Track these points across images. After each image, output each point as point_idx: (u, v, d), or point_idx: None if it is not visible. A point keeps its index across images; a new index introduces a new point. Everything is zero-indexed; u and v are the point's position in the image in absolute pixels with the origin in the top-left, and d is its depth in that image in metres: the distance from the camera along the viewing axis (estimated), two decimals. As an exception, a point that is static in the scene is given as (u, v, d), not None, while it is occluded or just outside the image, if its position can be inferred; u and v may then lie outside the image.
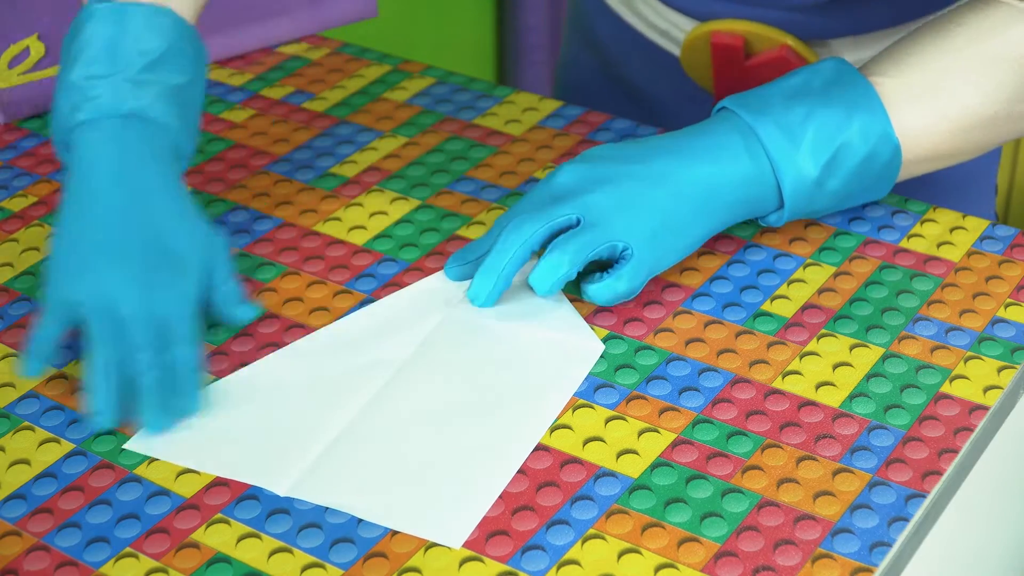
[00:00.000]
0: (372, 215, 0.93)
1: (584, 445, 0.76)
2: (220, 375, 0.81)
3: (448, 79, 1.08)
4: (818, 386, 0.79)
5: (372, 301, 0.86)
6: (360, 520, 0.72)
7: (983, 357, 0.81)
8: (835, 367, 0.80)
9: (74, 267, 0.78)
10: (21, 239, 0.92)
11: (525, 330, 0.82)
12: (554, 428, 0.77)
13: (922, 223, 0.91)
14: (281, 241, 0.91)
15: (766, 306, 0.85)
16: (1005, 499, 0.85)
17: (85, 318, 0.76)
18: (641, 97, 1.14)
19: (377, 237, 0.91)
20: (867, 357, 0.81)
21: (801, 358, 0.81)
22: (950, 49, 0.84)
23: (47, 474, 0.75)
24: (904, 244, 0.89)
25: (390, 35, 2.14)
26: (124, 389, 0.76)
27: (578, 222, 0.81)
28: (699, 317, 0.84)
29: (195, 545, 0.71)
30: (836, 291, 0.86)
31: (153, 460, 0.75)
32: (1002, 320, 0.83)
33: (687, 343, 0.82)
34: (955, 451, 0.75)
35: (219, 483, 0.74)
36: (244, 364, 0.81)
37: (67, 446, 0.76)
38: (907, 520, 0.71)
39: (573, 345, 0.82)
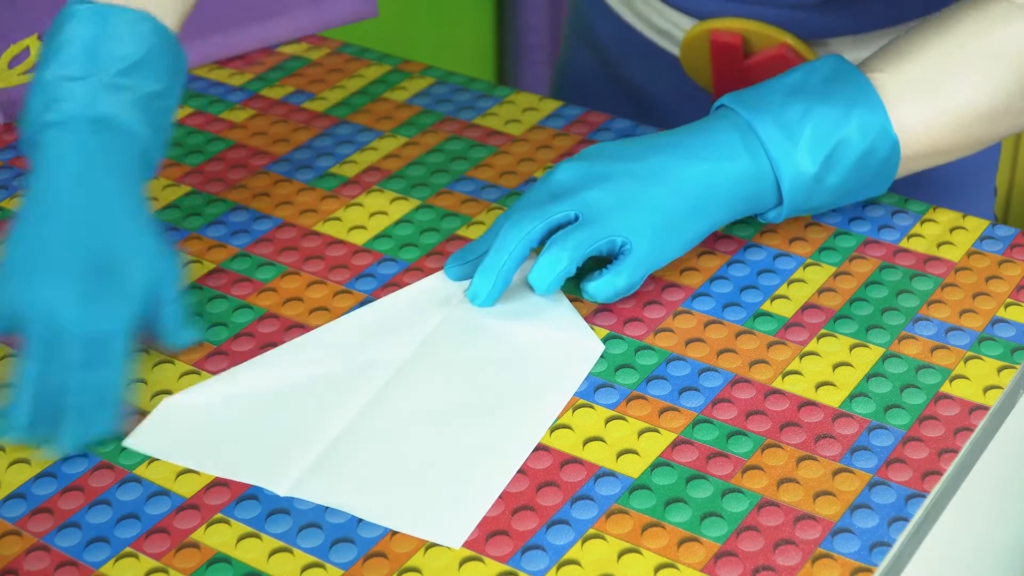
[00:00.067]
0: (372, 215, 0.93)
1: (584, 445, 0.76)
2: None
3: (448, 79, 1.08)
4: (818, 386, 0.79)
5: (372, 301, 0.86)
6: (360, 520, 0.72)
7: (983, 357, 0.81)
8: (835, 367, 0.80)
9: (20, 272, 0.77)
10: (21, 239, 0.92)
11: (525, 330, 0.82)
12: (554, 428, 0.77)
13: (922, 223, 0.91)
14: (281, 241, 0.91)
15: (766, 306, 0.85)
16: (1005, 499, 0.85)
17: (23, 326, 0.76)
18: (641, 97, 1.14)
19: (377, 237, 0.91)
20: (867, 357, 0.81)
21: (801, 358, 0.81)
22: (949, 45, 0.85)
23: (47, 474, 0.75)
24: (904, 244, 0.89)
25: (390, 35, 2.14)
26: (45, 401, 0.75)
27: (576, 218, 0.81)
28: (699, 317, 0.84)
29: (195, 545, 0.71)
30: (836, 291, 0.86)
31: (153, 460, 0.75)
32: (1002, 320, 0.83)
33: (687, 343, 0.82)
34: (955, 451, 0.75)
35: (219, 483, 0.74)
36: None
37: (67, 446, 0.76)
38: (907, 520, 0.71)
39: (573, 345, 0.82)
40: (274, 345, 0.82)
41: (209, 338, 0.83)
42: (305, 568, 0.69)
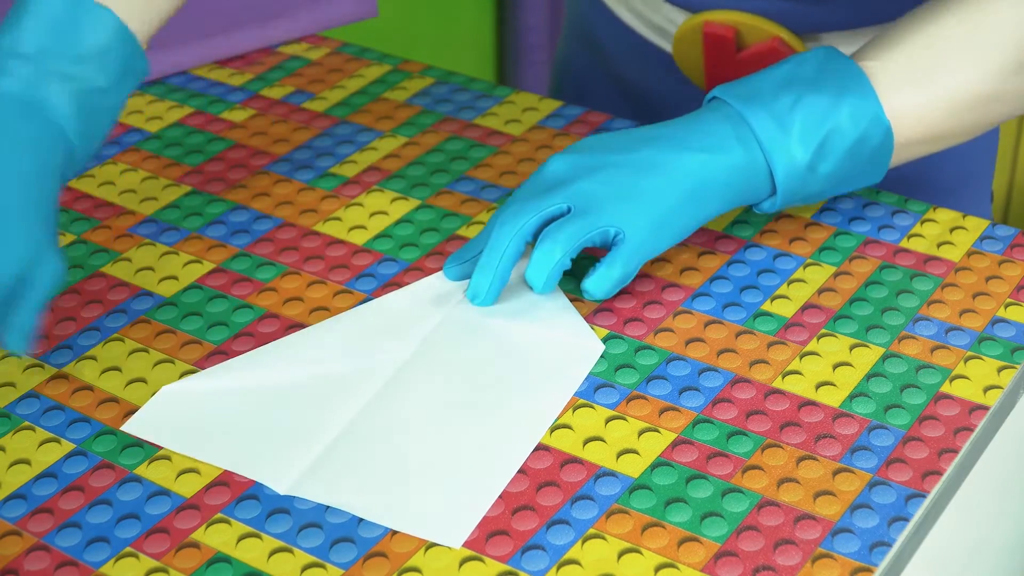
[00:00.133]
0: (372, 215, 0.93)
1: (584, 445, 0.76)
2: (220, 375, 0.81)
3: (448, 79, 1.08)
4: (818, 386, 0.79)
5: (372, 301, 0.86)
6: (360, 520, 0.72)
7: (983, 357, 0.81)
8: (835, 367, 0.80)
9: None
10: (21, 239, 0.92)
11: (525, 330, 0.82)
12: (554, 428, 0.77)
13: (922, 223, 0.91)
14: (281, 241, 0.91)
15: (766, 306, 0.85)
16: (1005, 499, 0.85)
17: None
18: (638, 95, 1.14)
19: (377, 237, 0.91)
20: (867, 357, 0.81)
21: (801, 358, 0.81)
22: (940, 31, 0.85)
23: (47, 474, 0.75)
24: (904, 244, 0.89)
25: (390, 35, 2.15)
26: None
27: (569, 210, 0.82)
28: (699, 317, 0.84)
29: (195, 545, 0.71)
30: (836, 291, 0.86)
31: (153, 460, 0.75)
32: (1002, 320, 0.83)
33: (687, 343, 0.82)
34: (955, 451, 0.75)
35: (219, 483, 0.74)
36: (244, 364, 0.81)
37: (67, 446, 0.76)
38: (907, 520, 0.71)
39: (573, 345, 0.82)
40: (274, 345, 0.83)
41: (209, 338, 0.83)
42: (305, 568, 0.69)
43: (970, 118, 0.86)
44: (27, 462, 0.76)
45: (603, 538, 0.70)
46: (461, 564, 0.69)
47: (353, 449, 0.75)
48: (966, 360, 0.80)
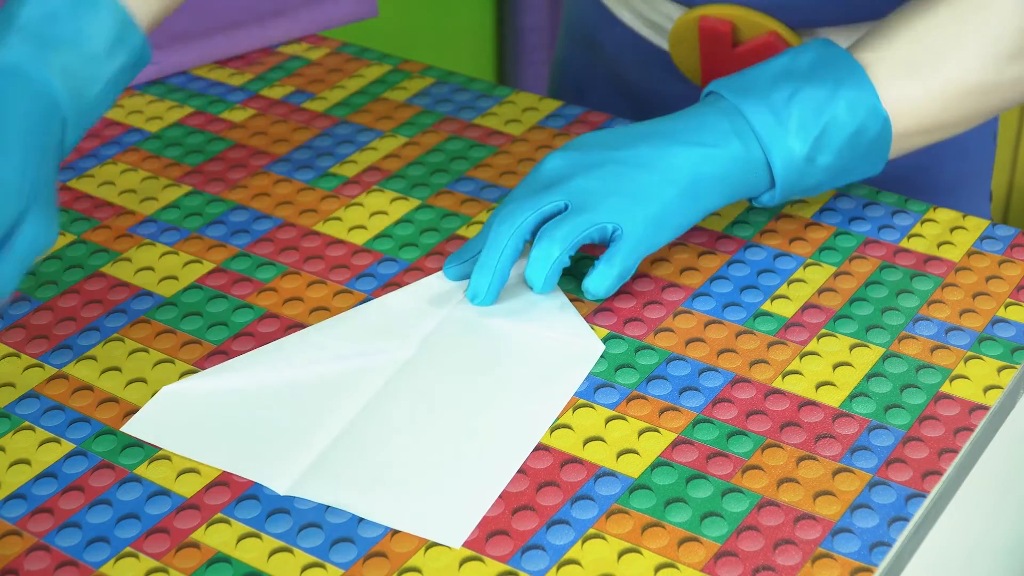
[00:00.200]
0: (372, 215, 0.93)
1: (584, 445, 0.76)
2: (220, 375, 0.81)
3: (448, 79, 1.08)
4: (818, 386, 0.79)
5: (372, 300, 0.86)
6: (360, 520, 0.72)
7: (983, 357, 0.81)
8: (835, 367, 0.80)
9: None
10: (21, 239, 0.92)
11: (525, 330, 0.82)
12: (554, 428, 0.77)
13: (922, 223, 0.91)
14: (281, 241, 0.91)
15: (766, 306, 0.85)
16: (1005, 499, 0.85)
17: None
18: (636, 95, 1.14)
19: (377, 237, 0.91)
20: (867, 357, 0.81)
21: (801, 358, 0.81)
22: (935, 22, 0.85)
23: (47, 474, 0.75)
24: (904, 244, 0.89)
25: (390, 35, 2.15)
26: None
27: (566, 207, 0.82)
28: (699, 317, 0.84)
29: (195, 545, 0.71)
30: (836, 291, 0.86)
31: (153, 460, 0.75)
32: (1002, 320, 0.83)
33: (687, 343, 0.82)
34: (955, 451, 0.75)
35: (219, 483, 0.74)
36: (244, 364, 0.81)
37: (67, 446, 0.76)
38: (907, 520, 0.71)
39: (573, 345, 0.82)
40: (274, 345, 0.83)
41: (209, 338, 0.83)
42: (305, 568, 0.69)
43: (968, 108, 0.86)
44: (27, 462, 0.76)
45: (603, 538, 0.70)
46: (461, 564, 0.69)
47: (353, 449, 0.75)
48: (966, 360, 0.80)
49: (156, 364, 0.82)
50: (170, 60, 1.09)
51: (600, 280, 0.82)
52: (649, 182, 0.82)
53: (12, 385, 0.81)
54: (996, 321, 0.83)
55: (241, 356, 0.81)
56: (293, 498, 0.73)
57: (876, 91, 0.84)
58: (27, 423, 0.78)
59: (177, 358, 0.82)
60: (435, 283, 0.86)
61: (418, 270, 0.88)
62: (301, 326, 0.84)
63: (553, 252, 0.80)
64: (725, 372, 0.80)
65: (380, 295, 0.86)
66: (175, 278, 0.88)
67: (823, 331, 0.83)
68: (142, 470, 0.75)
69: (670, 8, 1.06)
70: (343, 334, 0.82)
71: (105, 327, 0.84)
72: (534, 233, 0.82)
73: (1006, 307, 0.84)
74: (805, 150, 0.83)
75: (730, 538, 0.70)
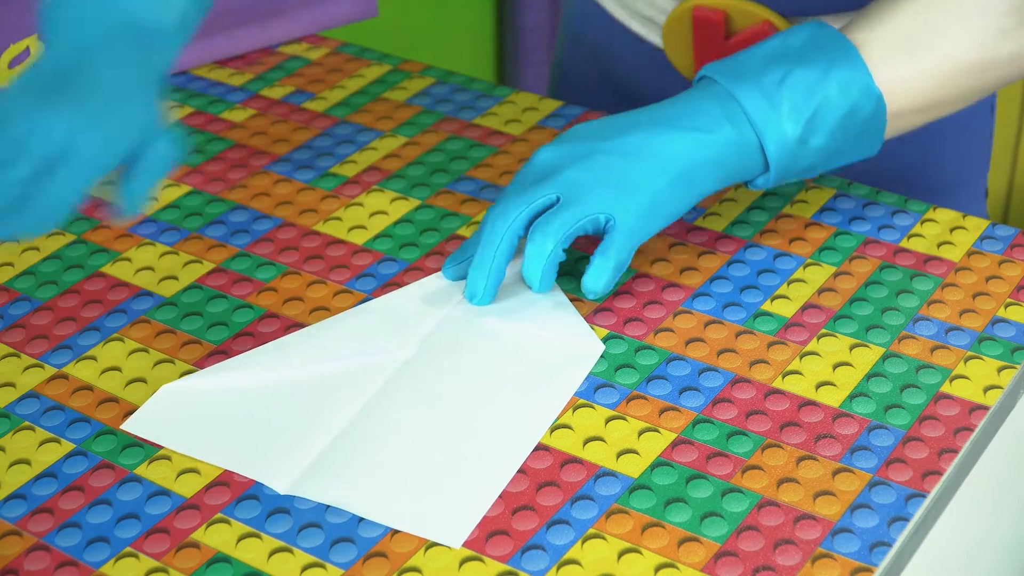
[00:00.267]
0: (372, 215, 0.93)
1: (584, 445, 0.76)
2: (220, 375, 0.81)
3: (448, 79, 1.08)
4: (818, 386, 0.79)
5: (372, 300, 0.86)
6: (360, 520, 0.72)
7: (983, 357, 0.81)
8: (835, 367, 0.80)
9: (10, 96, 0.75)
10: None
11: (525, 330, 0.82)
12: (554, 428, 0.77)
13: (922, 223, 0.91)
14: (281, 241, 0.91)
15: (766, 306, 0.85)
16: (1005, 499, 0.85)
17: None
18: (634, 95, 1.14)
19: (377, 237, 0.91)
20: (867, 357, 0.81)
21: (801, 358, 0.81)
22: (928, 1, 0.85)
23: (47, 474, 0.75)
24: (904, 244, 0.89)
25: (390, 35, 2.15)
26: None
27: (558, 200, 0.81)
28: (699, 317, 0.84)
29: (195, 545, 0.71)
30: (836, 291, 0.86)
31: (153, 460, 0.75)
32: (1002, 320, 0.83)
33: (687, 343, 0.82)
34: (955, 451, 0.75)
35: (219, 483, 0.74)
36: (244, 364, 0.81)
37: (67, 446, 0.76)
38: (907, 520, 0.71)
39: (573, 345, 0.82)
40: (274, 345, 0.83)
41: (209, 338, 0.83)
42: (305, 568, 0.69)
43: (964, 85, 0.86)
44: (27, 462, 0.76)
45: (603, 538, 0.70)
46: (461, 564, 0.69)
47: (353, 449, 0.75)
48: (966, 360, 0.80)
49: (156, 364, 0.82)
50: (170, 60, 1.09)
51: (597, 275, 0.81)
52: (639, 171, 0.82)
53: (12, 385, 0.81)
54: (996, 321, 0.83)
55: (241, 355, 0.81)
56: (293, 498, 0.73)
57: (869, 71, 0.84)
58: (27, 423, 0.78)
59: (177, 358, 0.82)
60: (435, 283, 0.86)
61: (418, 270, 0.88)
62: (301, 326, 0.84)
63: (546, 247, 0.80)
64: (725, 372, 0.80)
65: (380, 295, 0.86)
66: (175, 278, 0.88)
67: (823, 331, 0.83)
68: (142, 470, 0.75)
69: (664, 1, 1.05)
70: (343, 334, 0.82)
71: (105, 327, 0.84)
72: (526, 228, 0.82)
73: (1006, 307, 0.84)
74: (798, 132, 0.83)
75: (730, 538, 0.70)
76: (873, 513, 0.71)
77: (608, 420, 0.77)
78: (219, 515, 0.72)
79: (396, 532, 0.71)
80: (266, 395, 0.79)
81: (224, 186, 0.97)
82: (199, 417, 0.78)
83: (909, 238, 0.90)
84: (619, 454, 0.75)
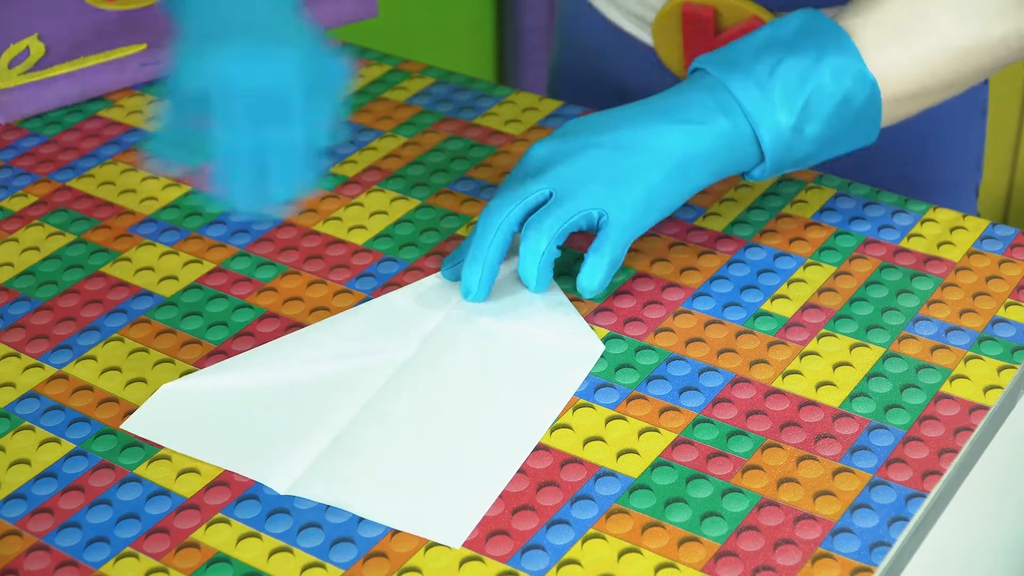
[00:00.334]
0: (372, 215, 0.93)
1: (584, 445, 0.76)
2: (220, 375, 0.81)
3: (448, 79, 1.08)
4: (818, 386, 0.79)
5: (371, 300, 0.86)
6: (360, 520, 0.72)
7: (983, 357, 0.81)
8: (835, 367, 0.80)
9: (193, 47, 0.76)
10: (21, 239, 0.92)
11: (525, 330, 0.82)
12: (554, 428, 0.77)
13: (922, 223, 0.91)
14: (281, 241, 0.91)
15: (766, 306, 0.85)
16: (1005, 499, 0.86)
17: (206, 97, 0.75)
18: (627, 94, 1.14)
19: (377, 237, 0.91)
20: (867, 357, 0.81)
21: (801, 358, 0.81)
22: None
23: (47, 474, 0.75)
24: (904, 244, 0.89)
25: (390, 35, 2.15)
26: (243, 165, 0.75)
27: (551, 195, 0.81)
28: (699, 317, 0.84)
29: (195, 545, 0.71)
30: (836, 291, 0.86)
31: (153, 460, 0.75)
32: (1002, 320, 0.83)
33: (687, 343, 0.82)
34: (955, 451, 0.75)
35: (219, 483, 0.74)
36: (244, 364, 0.81)
37: (67, 446, 0.76)
38: (907, 520, 0.71)
39: (573, 345, 0.82)
40: (274, 345, 0.83)
41: (209, 338, 0.83)
42: (305, 568, 0.69)
43: (958, 70, 0.86)
44: (27, 462, 0.76)
45: (603, 538, 0.70)
46: (461, 564, 0.69)
47: (353, 449, 0.75)
48: (966, 360, 0.80)
49: (156, 364, 0.82)
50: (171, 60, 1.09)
51: (592, 273, 0.81)
52: (634, 165, 0.82)
53: (12, 385, 0.81)
54: (996, 321, 0.83)
55: (241, 355, 0.81)
56: (293, 498, 0.73)
57: (862, 57, 0.84)
58: (27, 423, 0.78)
59: (177, 358, 0.82)
60: (435, 283, 0.86)
61: (418, 270, 0.88)
62: (301, 326, 0.84)
63: (540, 244, 0.80)
64: (725, 372, 0.80)
65: (380, 295, 0.86)
66: (175, 278, 0.88)
67: (823, 331, 0.83)
68: (142, 470, 0.75)
69: (655, 0, 1.05)
70: (343, 334, 0.82)
71: (105, 327, 0.84)
72: (520, 224, 0.82)
73: (1006, 307, 0.84)
74: (792, 121, 0.83)
75: (730, 538, 0.70)
76: (873, 513, 0.71)
77: (608, 420, 0.77)
78: (219, 515, 0.72)
79: (396, 532, 0.71)
80: (266, 395, 0.79)
81: (224, 186, 0.97)
82: (199, 417, 0.78)
83: (909, 238, 0.90)
84: (619, 454, 0.75)
